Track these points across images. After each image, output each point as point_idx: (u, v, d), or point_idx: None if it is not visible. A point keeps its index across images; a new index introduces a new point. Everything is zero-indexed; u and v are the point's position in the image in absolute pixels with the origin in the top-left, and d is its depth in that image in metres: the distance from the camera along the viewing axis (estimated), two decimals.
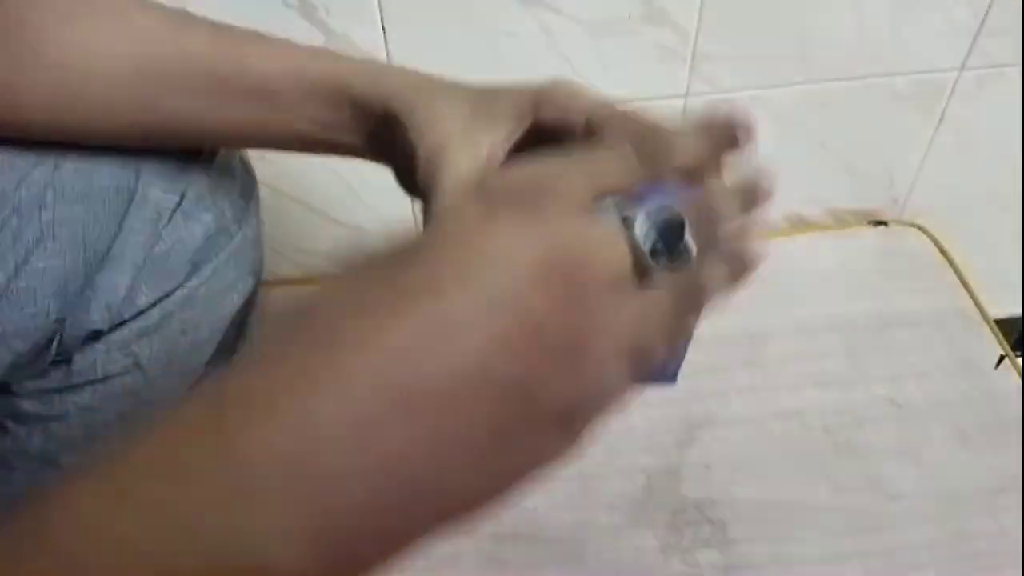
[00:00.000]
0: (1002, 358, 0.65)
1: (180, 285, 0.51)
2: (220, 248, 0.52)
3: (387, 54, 0.59)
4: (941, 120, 0.69)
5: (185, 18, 0.43)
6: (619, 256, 0.25)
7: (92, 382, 0.52)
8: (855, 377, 0.64)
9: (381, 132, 0.40)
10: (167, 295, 0.51)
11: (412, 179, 0.37)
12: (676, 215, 0.27)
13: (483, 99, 0.37)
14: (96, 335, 0.50)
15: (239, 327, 0.63)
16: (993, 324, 0.68)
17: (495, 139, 0.36)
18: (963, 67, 0.66)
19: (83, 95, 0.43)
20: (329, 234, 0.69)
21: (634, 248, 0.25)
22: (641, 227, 0.26)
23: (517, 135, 0.37)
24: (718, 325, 0.66)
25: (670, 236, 0.27)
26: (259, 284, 0.60)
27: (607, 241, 0.25)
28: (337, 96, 0.41)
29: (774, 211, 0.75)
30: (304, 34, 0.58)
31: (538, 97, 0.36)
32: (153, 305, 0.50)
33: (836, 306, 0.69)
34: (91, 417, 0.54)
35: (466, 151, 0.36)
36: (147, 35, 0.42)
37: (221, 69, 0.42)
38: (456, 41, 0.59)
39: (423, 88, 0.38)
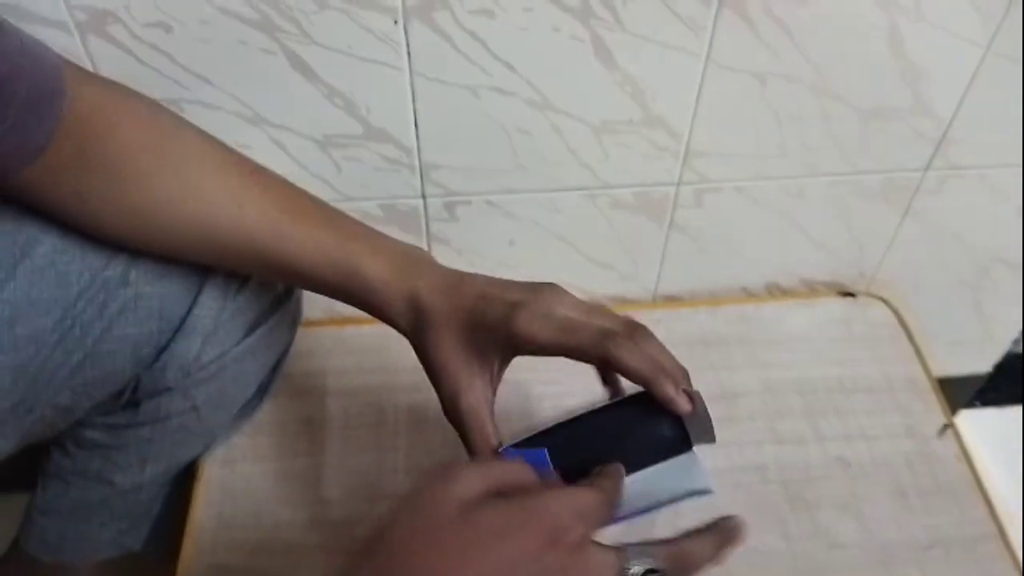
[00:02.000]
0: (945, 427, 0.74)
1: (236, 344, 0.60)
2: (272, 313, 0.61)
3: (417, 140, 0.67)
4: (907, 211, 0.78)
5: (248, 190, 0.50)
6: None
7: (152, 421, 0.61)
8: (812, 436, 0.73)
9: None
10: (225, 353, 0.59)
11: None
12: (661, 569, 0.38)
13: (473, 331, 0.46)
14: (167, 388, 0.58)
15: (272, 371, 0.72)
16: (940, 392, 0.76)
17: (491, 376, 0.47)
18: (928, 167, 0.74)
19: (154, 238, 0.51)
20: None
21: None
22: None
23: (504, 369, 0.48)
24: (700, 381, 0.76)
25: None
26: (292, 338, 0.68)
27: None
28: (357, 298, 0.50)
29: (754, 278, 0.84)
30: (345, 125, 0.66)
31: (510, 332, 0.45)
32: (214, 361, 0.59)
33: (801, 370, 0.77)
34: (147, 446, 0.63)
35: (474, 393, 0.47)
36: (218, 212, 0.49)
37: (269, 255, 0.50)
38: (478, 136, 0.67)
39: (424, 313, 0.48)
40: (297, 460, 0.70)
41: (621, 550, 0.38)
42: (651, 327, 0.79)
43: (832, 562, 0.65)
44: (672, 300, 0.85)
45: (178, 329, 0.55)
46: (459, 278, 0.49)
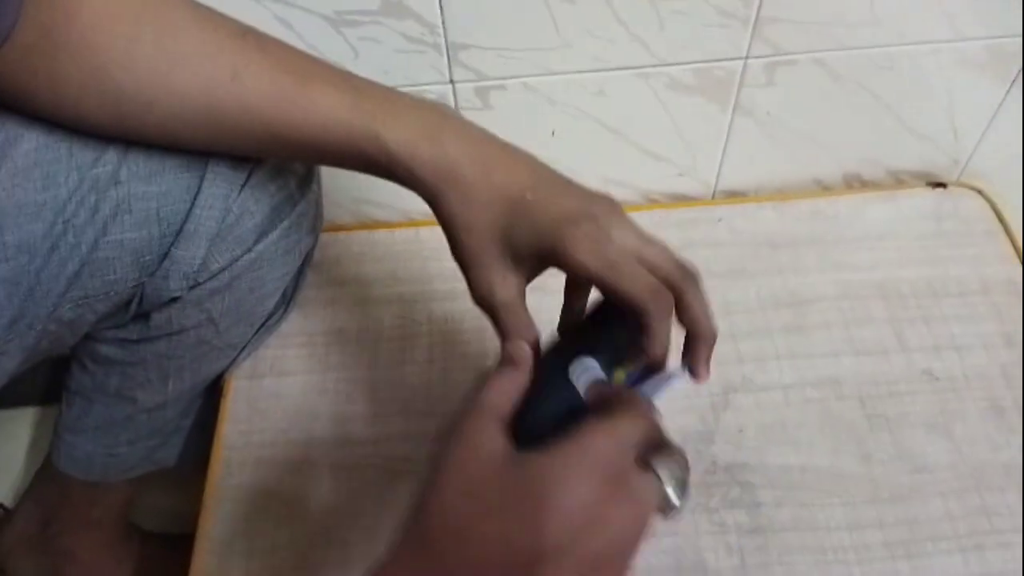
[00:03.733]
0: None
1: (248, 250, 0.54)
2: (285, 215, 0.55)
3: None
4: (1012, 85, 0.67)
5: (244, 53, 0.44)
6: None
7: (168, 334, 0.57)
8: (895, 346, 0.65)
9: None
10: (236, 259, 0.54)
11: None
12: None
13: (512, 228, 0.42)
14: (174, 299, 0.53)
15: (296, 278, 0.67)
16: None
17: (524, 278, 0.43)
18: None
19: (144, 121, 0.45)
20: (388, 186, 0.71)
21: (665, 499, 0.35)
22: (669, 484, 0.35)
23: (535, 277, 0.43)
24: (767, 286, 0.68)
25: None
26: (316, 241, 0.63)
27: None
28: (379, 167, 0.44)
29: (830, 169, 0.74)
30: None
31: (555, 250, 0.40)
32: (224, 269, 0.54)
33: (884, 271, 0.69)
34: (166, 362, 0.59)
35: (509, 289, 0.43)
36: (210, 82, 0.43)
37: (275, 126, 0.44)
38: (513, 8, 0.58)
39: (459, 186, 0.42)
40: (327, 374, 0.65)
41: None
42: (711, 227, 0.72)
43: (918, 487, 0.58)
44: (735, 196, 0.76)
45: (179, 233, 0.50)
46: (500, 151, 0.43)
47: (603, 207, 0.41)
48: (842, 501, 0.57)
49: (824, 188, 0.76)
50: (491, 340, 0.67)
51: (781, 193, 0.75)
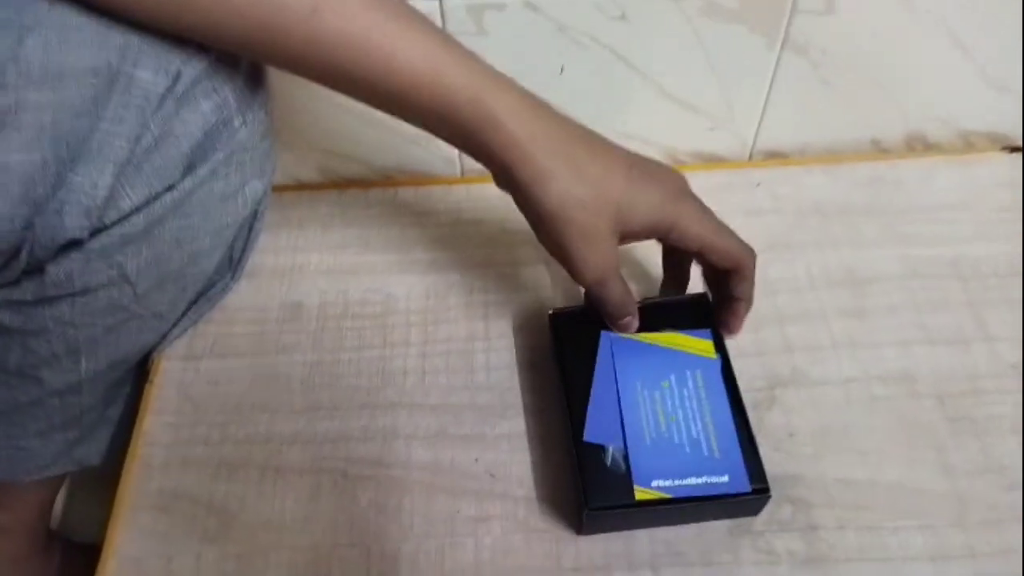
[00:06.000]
0: None
1: (171, 186, 0.43)
2: (221, 143, 0.43)
3: None
4: None
5: None
6: None
7: (71, 295, 0.44)
8: (977, 334, 0.53)
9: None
10: (155, 197, 0.42)
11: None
12: None
13: (625, 203, 0.42)
14: (73, 244, 0.42)
15: (245, 239, 0.55)
16: None
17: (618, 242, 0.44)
18: None
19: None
20: (362, 136, 0.60)
21: None
22: None
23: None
24: (814, 262, 0.56)
25: None
26: (269, 190, 0.51)
27: None
28: (470, 134, 0.40)
29: (891, 127, 0.62)
30: None
31: (675, 226, 0.44)
32: (139, 209, 0.42)
33: (959, 247, 0.57)
34: (73, 332, 0.47)
35: (618, 277, 0.45)
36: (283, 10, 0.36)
37: (349, 71, 0.38)
38: None
39: (572, 162, 0.41)
40: (280, 357, 0.54)
41: None
42: (748, 193, 0.60)
43: (1013, 507, 0.46)
44: (776, 157, 0.64)
45: (79, 154, 0.38)
46: (583, 127, 0.43)
47: (682, 179, 0.45)
48: (920, 524, 0.45)
49: (882, 150, 0.64)
50: (481, 319, 0.55)
51: (832, 155, 0.64)
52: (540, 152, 0.40)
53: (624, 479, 0.42)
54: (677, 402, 0.45)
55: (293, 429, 0.50)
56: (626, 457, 0.43)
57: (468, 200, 0.61)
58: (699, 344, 0.47)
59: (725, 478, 0.42)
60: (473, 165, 0.62)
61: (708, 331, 0.47)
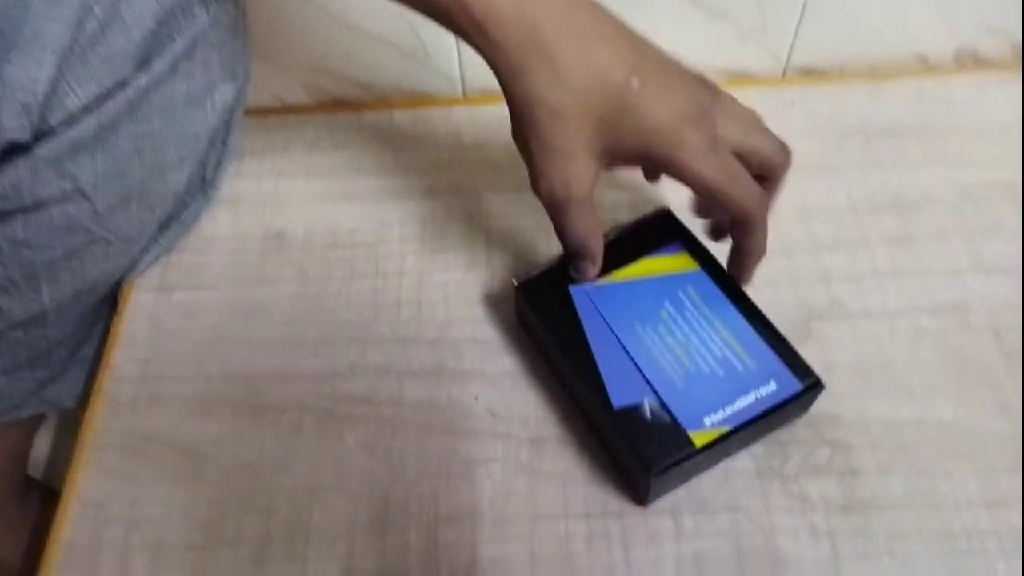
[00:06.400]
0: None
1: (123, 83, 0.37)
2: (179, 32, 0.38)
3: None
4: None
5: None
6: None
7: (22, 210, 0.40)
8: None
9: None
10: (106, 96, 0.37)
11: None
12: None
13: (612, 119, 0.35)
14: (16, 148, 0.37)
15: (220, 156, 0.50)
16: None
17: (598, 175, 0.37)
18: None
19: None
20: (354, 50, 0.54)
21: None
22: None
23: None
24: (856, 186, 0.51)
25: None
26: (243, 98, 0.46)
27: None
28: (440, 11, 0.34)
29: (938, 41, 0.56)
30: None
31: (670, 158, 0.36)
32: (88, 109, 0.37)
33: (1013, 169, 0.51)
34: (29, 254, 0.42)
35: (586, 183, 0.37)
36: None
37: None
38: None
39: (551, 63, 0.34)
40: (261, 289, 0.49)
41: None
42: (781, 112, 0.55)
43: None
44: (812, 74, 0.58)
45: (13, 42, 0.33)
46: (599, 18, 0.35)
47: (706, 95, 0.37)
48: (975, 468, 0.40)
49: (928, 67, 0.58)
50: (483, 247, 0.50)
51: (873, 71, 0.57)
52: (511, 45, 0.33)
53: (674, 429, 0.37)
54: (686, 328, 0.40)
55: (273, 365, 0.46)
56: (664, 406, 0.38)
57: (470, 123, 0.56)
58: (676, 261, 0.42)
59: (773, 386, 0.38)
60: (476, 84, 0.57)
61: (677, 243, 0.43)
